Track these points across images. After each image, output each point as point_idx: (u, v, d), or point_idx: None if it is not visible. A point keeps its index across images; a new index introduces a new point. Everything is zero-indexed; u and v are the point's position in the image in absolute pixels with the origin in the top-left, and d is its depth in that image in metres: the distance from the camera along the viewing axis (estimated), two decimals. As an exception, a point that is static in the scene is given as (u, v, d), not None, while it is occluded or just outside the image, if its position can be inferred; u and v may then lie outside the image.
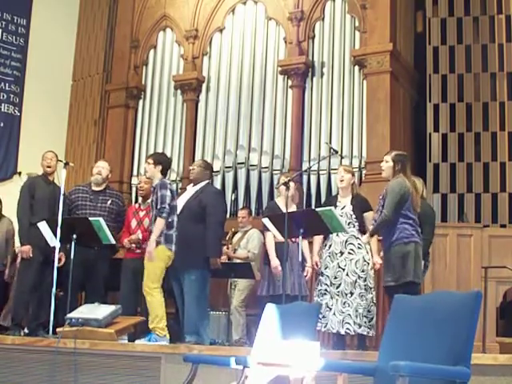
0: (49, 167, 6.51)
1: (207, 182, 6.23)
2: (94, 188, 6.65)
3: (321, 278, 5.98)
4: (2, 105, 9.50)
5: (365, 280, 5.84)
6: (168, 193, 5.71)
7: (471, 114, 8.24)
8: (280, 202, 6.31)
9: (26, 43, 9.78)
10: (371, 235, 5.58)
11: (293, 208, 6.31)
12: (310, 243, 6.39)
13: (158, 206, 5.69)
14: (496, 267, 6.30)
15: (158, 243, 5.70)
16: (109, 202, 6.60)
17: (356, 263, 5.85)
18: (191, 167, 6.44)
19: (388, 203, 5.29)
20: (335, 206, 5.99)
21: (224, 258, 6.85)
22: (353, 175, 6.18)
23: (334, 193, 7.92)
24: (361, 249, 5.89)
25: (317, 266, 6.05)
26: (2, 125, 9.48)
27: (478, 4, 8.46)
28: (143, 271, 5.82)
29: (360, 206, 6.00)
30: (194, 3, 9.38)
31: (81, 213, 6.48)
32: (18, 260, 6.68)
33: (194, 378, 3.49)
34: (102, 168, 6.71)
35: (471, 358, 2.54)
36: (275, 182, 8.21)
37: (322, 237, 6.04)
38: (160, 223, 5.67)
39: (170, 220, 5.74)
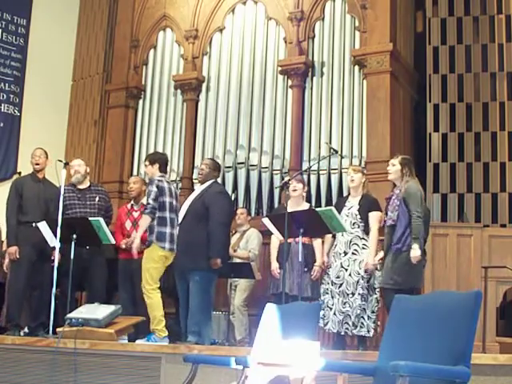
0: (37, 164, 6.48)
1: (213, 181, 6.19)
2: (79, 186, 6.60)
3: (325, 276, 6.00)
4: (2, 105, 9.50)
5: (368, 281, 5.83)
6: (154, 188, 5.69)
7: (471, 114, 8.24)
8: (290, 203, 6.26)
9: (25, 43, 9.78)
10: (418, 243, 5.29)
11: (304, 207, 6.30)
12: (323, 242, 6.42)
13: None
14: (496, 267, 6.29)
15: (150, 242, 5.69)
16: (97, 198, 6.58)
17: (359, 264, 5.85)
18: (200, 166, 6.36)
19: (415, 205, 5.38)
20: (343, 207, 6.01)
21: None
22: (363, 174, 6.19)
23: (334, 193, 7.94)
24: (365, 249, 5.88)
25: (324, 264, 6.05)
26: (1, 125, 9.47)
27: (477, 4, 8.46)
28: (140, 271, 5.82)
29: (367, 205, 5.97)
30: (193, 3, 9.37)
31: (71, 212, 6.44)
32: (6, 260, 6.59)
33: (194, 378, 3.49)
34: (78, 166, 6.60)
35: (471, 358, 2.54)
36: (275, 182, 8.24)
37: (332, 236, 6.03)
38: (144, 220, 5.69)
39: (161, 216, 5.70)
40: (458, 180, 8.13)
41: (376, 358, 2.89)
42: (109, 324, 5.55)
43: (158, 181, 5.77)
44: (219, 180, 8.39)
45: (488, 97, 8.19)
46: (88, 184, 6.66)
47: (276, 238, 6.19)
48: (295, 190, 6.25)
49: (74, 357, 5.13)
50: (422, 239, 5.36)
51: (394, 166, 5.62)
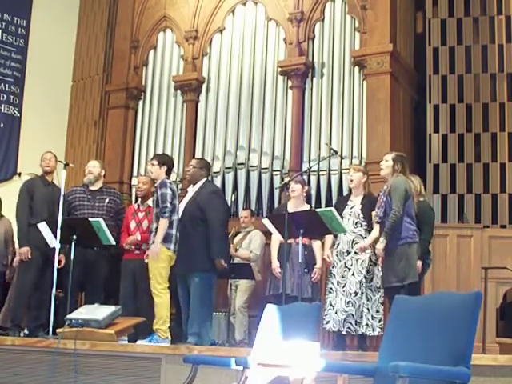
0: (47, 167, 6.53)
1: (204, 180, 6.19)
2: (91, 188, 6.65)
3: (329, 275, 6.01)
4: (2, 105, 9.50)
5: (371, 280, 5.83)
6: (169, 191, 5.71)
7: (471, 115, 8.24)
8: (290, 204, 6.28)
9: (25, 44, 9.78)
10: (386, 238, 5.36)
11: (305, 208, 6.30)
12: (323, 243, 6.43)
13: (160, 206, 5.69)
14: (496, 268, 6.30)
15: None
16: (106, 200, 6.60)
17: (362, 263, 5.85)
18: (187, 169, 6.43)
19: (395, 200, 5.34)
20: (345, 206, 6.00)
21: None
22: (364, 174, 6.16)
23: (334, 193, 7.94)
24: (367, 249, 5.87)
25: (328, 258, 6.05)
26: (1, 125, 9.47)
27: (478, 4, 8.46)
28: (142, 272, 5.82)
29: (370, 205, 5.93)
30: (194, 4, 9.38)
31: (79, 213, 6.48)
32: (16, 259, 6.67)
33: (194, 378, 3.49)
34: (92, 167, 6.71)
35: (471, 359, 2.54)
36: (275, 183, 8.24)
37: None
38: (163, 223, 5.67)
39: (170, 219, 5.73)
40: (458, 181, 8.13)
41: (376, 358, 2.89)
42: (109, 325, 5.55)
43: (170, 183, 5.80)
44: (219, 180, 8.47)
45: (488, 97, 8.19)
46: (100, 186, 6.69)
47: (276, 238, 6.20)
48: (293, 191, 6.26)
49: (74, 358, 5.13)
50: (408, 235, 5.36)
51: (387, 162, 5.61)
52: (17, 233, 6.51)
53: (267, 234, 6.74)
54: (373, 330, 5.76)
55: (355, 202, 6.05)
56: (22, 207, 6.40)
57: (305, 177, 8.14)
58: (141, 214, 6.66)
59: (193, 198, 6.08)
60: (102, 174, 6.78)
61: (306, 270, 6.09)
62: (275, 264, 6.22)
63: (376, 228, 5.81)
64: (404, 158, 5.64)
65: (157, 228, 5.72)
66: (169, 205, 5.67)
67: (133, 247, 6.46)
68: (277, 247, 6.27)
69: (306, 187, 6.58)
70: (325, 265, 6.37)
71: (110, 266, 6.63)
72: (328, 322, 5.88)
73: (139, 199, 6.90)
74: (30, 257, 6.25)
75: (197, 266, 5.84)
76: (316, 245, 6.29)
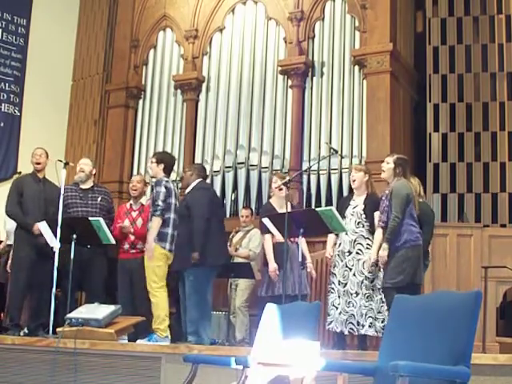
0: (38, 164, 6.46)
1: (197, 181, 6.18)
2: (82, 186, 6.61)
3: (330, 276, 6.00)
4: (2, 105, 9.50)
5: (372, 281, 5.80)
6: (162, 189, 5.70)
7: (471, 114, 8.25)
8: (274, 202, 6.31)
9: (25, 43, 9.79)
10: (388, 244, 5.36)
11: (289, 207, 6.31)
12: (308, 243, 6.47)
13: (153, 204, 5.70)
14: (496, 267, 6.30)
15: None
16: (99, 198, 6.57)
17: (363, 264, 5.83)
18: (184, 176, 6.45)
19: (396, 205, 5.33)
20: (348, 205, 6.00)
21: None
22: (365, 173, 6.13)
23: (334, 192, 7.94)
24: (369, 249, 5.85)
25: (330, 256, 6.05)
26: (2, 125, 9.48)
27: (478, 4, 8.47)
28: (139, 271, 5.82)
29: (372, 205, 5.87)
30: (193, 3, 9.38)
31: (72, 211, 6.43)
32: (9, 261, 6.63)
33: (194, 378, 3.49)
34: (84, 165, 6.63)
35: (471, 358, 2.54)
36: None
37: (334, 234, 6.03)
38: (155, 221, 5.67)
39: (166, 217, 5.72)
40: (458, 180, 8.14)
41: (376, 357, 2.89)
42: (109, 324, 5.54)
43: (166, 181, 5.79)
44: (219, 179, 8.48)
45: (488, 97, 8.20)
46: (91, 184, 6.67)
47: (270, 237, 6.18)
48: (281, 190, 6.26)
49: (74, 357, 5.13)
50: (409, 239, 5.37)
51: (388, 165, 5.59)
52: (18, 225, 6.39)
53: (262, 235, 6.74)
54: (376, 331, 5.71)
55: (358, 202, 6.02)
56: (11, 204, 6.34)
57: (305, 176, 8.17)
58: (134, 214, 6.64)
59: (183, 198, 6.12)
60: (93, 172, 6.74)
61: (301, 267, 6.11)
62: (274, 266, 6.14)
63: (378, 231, 5.79)
64: (405, 160, 5.63)
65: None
66: (161, 203, 5.66)
67: (125, 229, 6.41)
68: (272, 248, 6.23)
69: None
70: (327, 264, 6.39)
71: (107, 263, 6.60)
72: (331, 322, 5.87)
73: (132, 198, 6.85)
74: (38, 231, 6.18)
75: (187, 262, 5.82)
76: (301, 242, 6.31)
